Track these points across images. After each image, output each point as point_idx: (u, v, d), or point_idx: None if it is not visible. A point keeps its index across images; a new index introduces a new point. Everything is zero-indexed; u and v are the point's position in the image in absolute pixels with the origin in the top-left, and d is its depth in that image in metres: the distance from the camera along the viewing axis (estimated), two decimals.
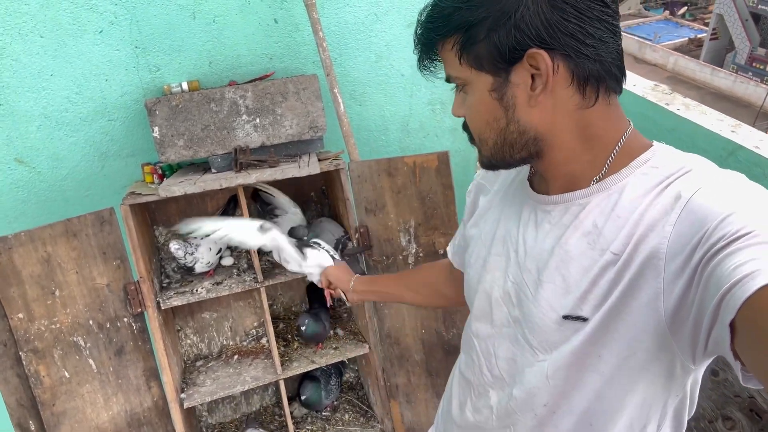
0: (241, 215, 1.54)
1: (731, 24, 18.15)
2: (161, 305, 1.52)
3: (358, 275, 1.27)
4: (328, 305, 1.62)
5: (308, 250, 1.33)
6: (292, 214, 1.68)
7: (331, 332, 1.81)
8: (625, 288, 0.61)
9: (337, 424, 1.87)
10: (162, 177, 1.54)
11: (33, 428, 1.43)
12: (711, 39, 19.22)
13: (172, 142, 1.47)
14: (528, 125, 0.66)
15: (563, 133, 0.66)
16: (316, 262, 1.31)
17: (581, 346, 0.66)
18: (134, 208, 1.44)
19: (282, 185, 1.64)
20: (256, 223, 1.32)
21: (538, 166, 0.72)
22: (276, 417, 1.94)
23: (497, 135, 0.68)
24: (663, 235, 0.58)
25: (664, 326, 0.60)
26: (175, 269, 1.71)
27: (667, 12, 23.35)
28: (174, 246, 1.51)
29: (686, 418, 0.74)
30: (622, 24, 0.71)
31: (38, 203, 1.62)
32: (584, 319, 0.65)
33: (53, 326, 1.40)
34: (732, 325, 0.48)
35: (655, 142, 0.68)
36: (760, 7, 17.19)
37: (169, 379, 1.53)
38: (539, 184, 0.76)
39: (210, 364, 1.78)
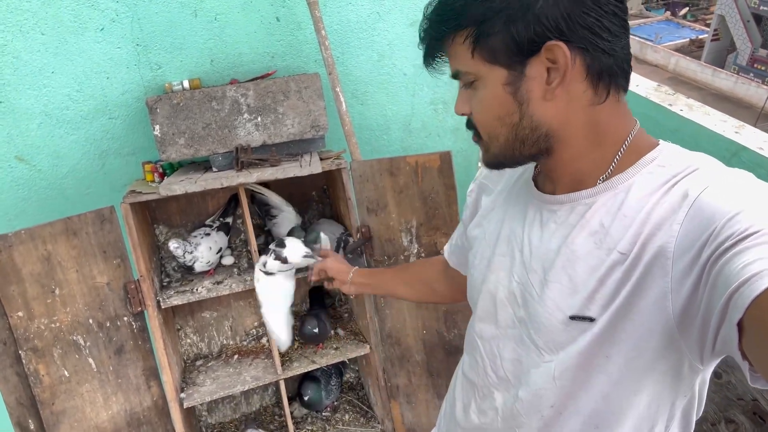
0: (242, 214, 1.53)
1: (733, 25, 18.16)
2: (161, 304, 1.51)
3: (357, 268, 1.26)
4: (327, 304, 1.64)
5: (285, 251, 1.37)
6: (287, 213, 1.68)
7: (332, 332, 1.80)
8: (633, 287, 0.61)
9: (337, 425, 1.87)
10: (163, 175, 1.53)
11: (32, 427, 1.42)
12: (712, 40, 19.23)
13: (173, 141, 1.46)
14: (541, 120, 0.65)
15: (575, 130, 0.66)
16: (298, 256, 1.35)
17: (588, 346, 0.66)
18: (135, 206, 1.43)
19: (283, 185, 1.63)
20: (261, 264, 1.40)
21: (545, 164, 0.71)
22: (276, 417, 1.94)
23: (509, 131, 0.67)
24: (670, 234, 0.58)
25: (672, 325, 0.59)
26: (176, 268, 1.70)
27: (668, 13, 23.36)
28: (173, 245, 1.50)
29: (694, 419, 0.73)
30: None
31: (38, 201, 1.61)
32: (591, 320, 0.65)
33: (53, 325, 1.39)
34: (740, 325, 0.47)
35: (661, 141, 0.68)
36: (761, 8, 17.19)
37: (168, 379, 1.52)
38: (544, 183, 0.75)
39: (210, 364, 1.77)
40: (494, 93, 0.65)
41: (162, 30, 1.52)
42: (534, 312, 0.71)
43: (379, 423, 1.83)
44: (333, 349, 1.74)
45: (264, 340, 1.86)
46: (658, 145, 0.67)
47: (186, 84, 1.52)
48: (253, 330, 1.89)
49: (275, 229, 1.70)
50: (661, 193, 0.61)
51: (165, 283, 1.64)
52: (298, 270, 1.49)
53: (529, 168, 0.80)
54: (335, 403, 1.94)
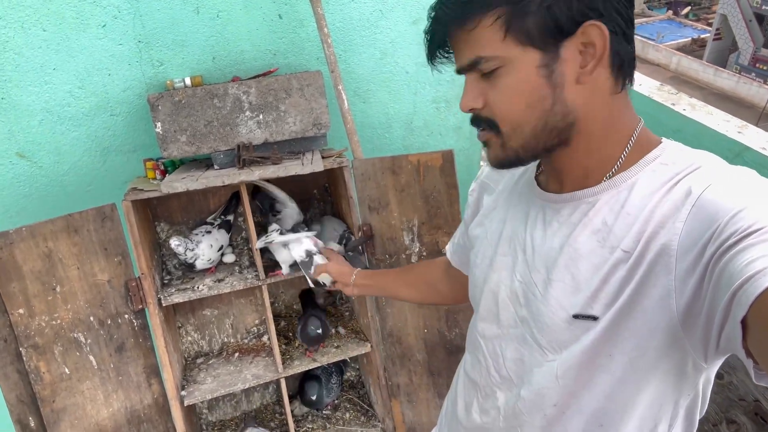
0: (243, 212, 1.53)
1: (735, 24, 18.13)
2: (162, 302, 1.51)
3: (359, 269, 1.26)
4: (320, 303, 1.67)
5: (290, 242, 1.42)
6: (291, 208, 1.68)
7: (333, 331, 1.80)
8: (637, 286, 0.61)
9: (337, 423, 1.87)
10: (164, 173, 1.53)
11: (33, 424, 1.42)
12: (714, 39, 19.20)
13: (175, 138, 1.46)
14: (572, 106, 0.63)
15: (593, 120, 0.65)
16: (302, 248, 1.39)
17: (592, 345, 0.65)
18: (136, 203, 1.43)
19: (284, 182, 1.63)
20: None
21: (557, 159, 0.69)
22: (276, 415, 1.94)
23: (539, 118, 0.63)
24: (674, 232, 0.58)
25: (676, 324, 0.59)
26: (177, 266, 1.70)
27: (670, 12, 23.32)
28: (174, 242, 1.50)
29: (698, 418, 0.73)
30: None
31: (40, 198, 1.61)
32: (595, 318, 0.64)
33: (54, 322, 1.39)
34: (744, 322, 0.47)
35: (664, 139, 0.68)
36: (764, 7, 17.16)
37: (169, 377, 1.52)
38: (547, 182, 0.75)
39: (211, 362, 1.77)
40: (527, 77, 0.62)
41: (164, 27, 1.52)
42: (537, 311, 0.71)
43: (379, 422, 1.83)
44: (334, 348, 1.73)
45: (265, 338, 1.86)
46: (661, 142, 0.67)
47: (188, 81, 1.51)
48: (254, 328, 1.89)
49: (278, 225, 1.70)
50: (664, 191, 0.61)
51: (166, 281, 1.64)
52: (298, 270, 1.49)
53: (531, 168, 0.80)
54: (336, 401, 1.94)
